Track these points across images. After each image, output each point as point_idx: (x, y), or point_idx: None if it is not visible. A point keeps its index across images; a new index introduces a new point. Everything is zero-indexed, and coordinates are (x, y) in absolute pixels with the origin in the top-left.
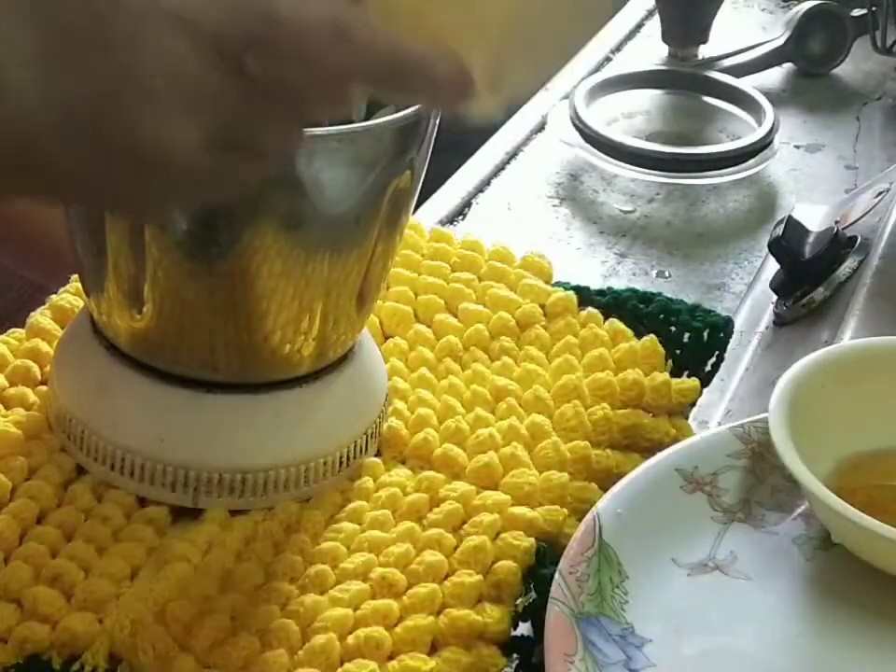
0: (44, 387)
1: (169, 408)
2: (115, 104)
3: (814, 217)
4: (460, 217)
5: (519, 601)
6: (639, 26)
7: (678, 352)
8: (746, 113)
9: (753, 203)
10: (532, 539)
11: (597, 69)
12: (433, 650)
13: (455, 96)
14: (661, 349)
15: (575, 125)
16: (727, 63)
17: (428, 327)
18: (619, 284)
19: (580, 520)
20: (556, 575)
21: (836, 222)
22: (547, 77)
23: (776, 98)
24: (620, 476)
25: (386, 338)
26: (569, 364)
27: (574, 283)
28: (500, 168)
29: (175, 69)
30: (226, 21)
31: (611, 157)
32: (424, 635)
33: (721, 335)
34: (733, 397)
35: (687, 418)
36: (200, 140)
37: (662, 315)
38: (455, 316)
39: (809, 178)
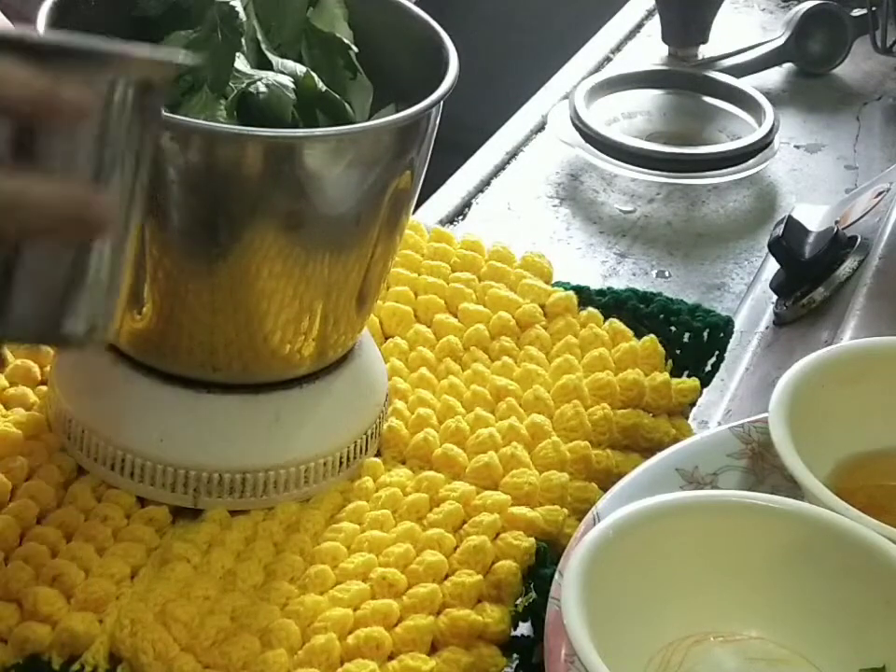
0: (44, 387)
1: (169, 408)
2: None
3: (814, 217)
4: (460, 217)
5: (519, 601)
6: (639, 26)
7: (678, 352)
8: (746, 113)
9: (753, 203)
10: (532, 539)
11: (597, 69)
12: (433, 650)
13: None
14: (661, 349)
15: (575, 125)
16: (727, 62)
17: (428, 327)
18: (619, 284)
19: (580, 520)
20: (556, 575)
21: (836, 222)
22: (547, 77)
23: (776, 98)
24: (620, 476)
25: (386, 338)
26: (569, 364)
27: (574, 283)
28: (500, 168)
29: None
30: None
31: (611, 157)
32: (424, 635)
33: (721, 335)
34: (733, 397)
35: (687, 418)
36: None
37: (662, 315)
38: (455, 316)
39: (809, 178)
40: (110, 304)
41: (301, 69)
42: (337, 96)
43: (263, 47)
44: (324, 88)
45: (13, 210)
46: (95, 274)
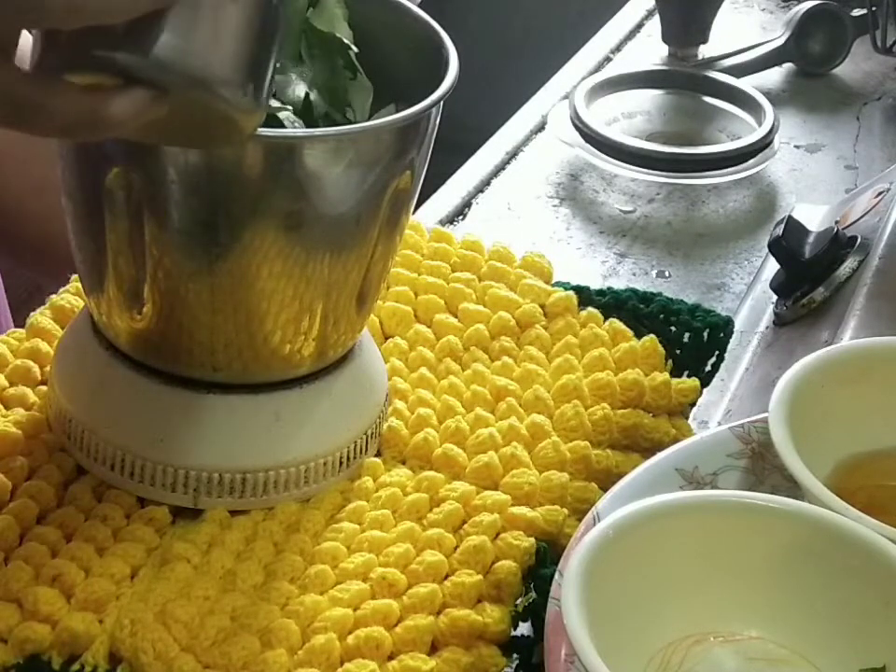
0: (44, 387)
1: (169, 408)
2: None
3: (814, 217)
4: (460, 217)
5: (519, 601)
6: (639, 26)
7: (678, 352)
8: (746, 113)
9: (753, 202)
10: (532, 539)
11: (597, 69)
12: (433, 650)
13: None
14: (661, 349)
15: (575, 125)
16: (727, 62)
17: (428, 327)
18: (619, 284)
19: (580, 520)
20: (556, 575)
21: (836, 222)
22: (547, 77)
23: (776, 98)
24: (620, 476)
25: (386, 338)
26: (569, 364)
27: (574, 283)
28: (500, 168)
29: None
30: None
31: (611, 157)
32: (424, 635)
33: (721, 335)
34: (733, 397)
35: (687, 418)
36: None
37: (662, 315)
38: (455, 316)
39: (809, 178)
40: (264, 68)
41: (300, 90)
42: (338, 116)
43: None
44: (324, 111)
45: None
46: (252, 30)
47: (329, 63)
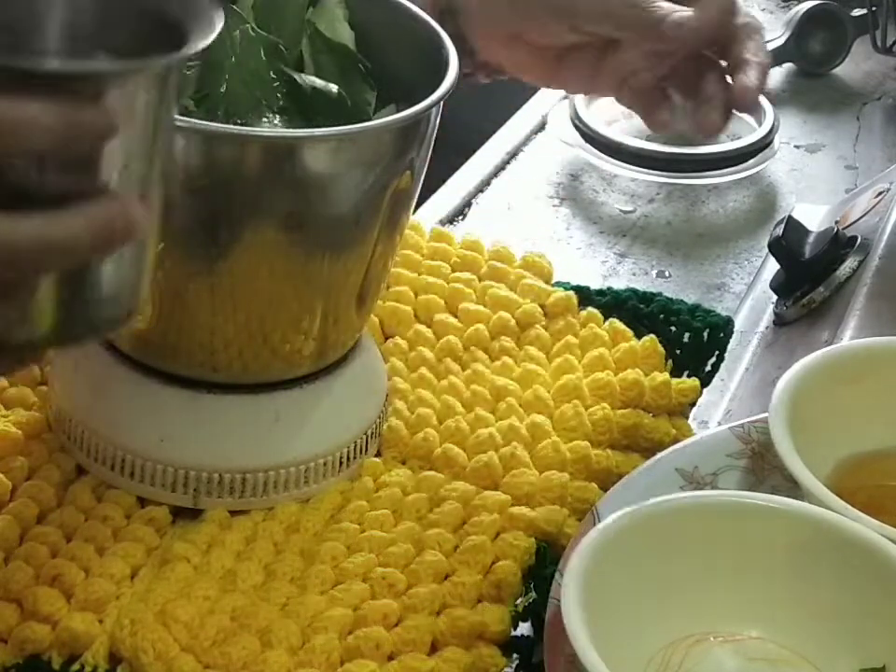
0: (44, 387)
1: (169, 408)
2: None
3: (814, 217)
4: (460, 217)
5: (519, 601)
6: None
7: (678, 352)
8: (746, 113)
9: (753, 202)
10: (532, 539)
11: None
12: (433, 650)
13: None
14: (661, 349)
15: (575, 125)
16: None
17: (428, 327)
18: (619, 284)
19: (580, 520)
20: (556, 575)
21: (836, 222)
22: None
23: (776, 98)
24: (620, 476)
25: (386, 338)
26: (569, 364)
27: (574, 283)
28: (500, 168)
29: None
30: None
31: (611, 157)
32: (424, 635)
33: (721, 335)
34: (733, 397)
35: (687, 418)
36: None
37: (662, 315)
38: (455, 316)
39: (809, 178)
40: (142, 287)
41: (332, 88)
42: (368, 111)
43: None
44: (349, 102)
45: (39, 254)
46: (127, 268)
47: (339, 70)
